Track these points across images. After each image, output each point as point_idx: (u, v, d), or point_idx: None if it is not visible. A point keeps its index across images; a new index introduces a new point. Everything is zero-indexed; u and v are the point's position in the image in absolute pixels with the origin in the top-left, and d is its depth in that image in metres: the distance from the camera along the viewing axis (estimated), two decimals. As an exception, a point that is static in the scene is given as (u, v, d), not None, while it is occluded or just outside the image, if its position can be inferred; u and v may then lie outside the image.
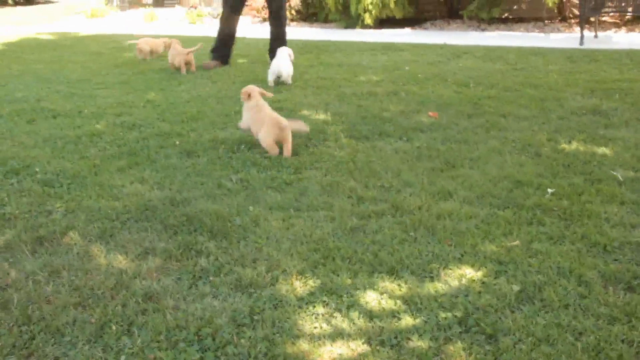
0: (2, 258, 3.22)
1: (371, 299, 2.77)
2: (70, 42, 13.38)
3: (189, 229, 3.53)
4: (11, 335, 2.54)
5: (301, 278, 2.95)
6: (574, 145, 5.05)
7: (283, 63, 7.76)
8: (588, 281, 2.90)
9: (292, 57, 7.90)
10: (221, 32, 9.36)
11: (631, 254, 3.19)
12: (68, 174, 4.47)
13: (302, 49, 11.00)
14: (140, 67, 9.41)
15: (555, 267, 3.04)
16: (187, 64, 8.78)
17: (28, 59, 10.75)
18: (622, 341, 2.44)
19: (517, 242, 3.32)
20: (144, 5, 21.58)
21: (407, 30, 14.55)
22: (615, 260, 3.13)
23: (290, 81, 7.82)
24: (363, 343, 2.44)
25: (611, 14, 12.77)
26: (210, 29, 16.59)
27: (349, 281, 2.92)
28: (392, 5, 14.02)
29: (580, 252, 3.21)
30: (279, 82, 7.79)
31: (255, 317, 2.63)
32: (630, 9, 11.62)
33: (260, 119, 4.97)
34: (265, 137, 4.86)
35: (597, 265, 3.06)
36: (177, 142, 5.24)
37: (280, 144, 4.87)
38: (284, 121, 4.83)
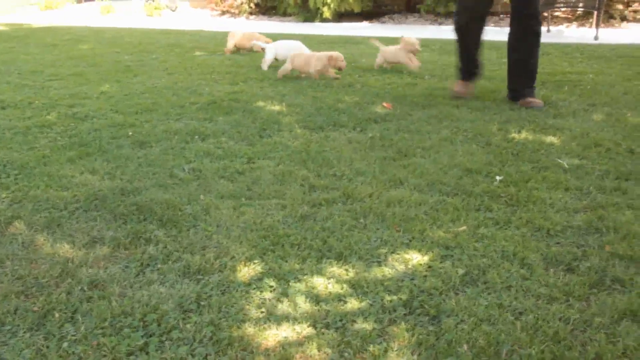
0: (-56, 248, 3.16)
1: (318, 283, 2.79)
2: (23, 34, 13.12)
3: (138, 218, 3.51)
4: (-49, 324, 2.49)
5: (249, 264, 2.96)
6: (524, 134, 5.14)
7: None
8: (530, 264, 2.97)
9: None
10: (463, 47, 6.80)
11: (572, 237, 3.27)
12: (15, 164, 4.39)
13: (260, 41, 10.96)
14: (96, 60, 9.29)
15: (499, 250, 3.10)
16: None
17: (-21, 50, 10.51)
18: (559, 319, 2.50)
19: (464, 228, 3.37)
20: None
21: (366, 24, 14.62)
22: (558, 243, 3.21)
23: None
24: (308, 326, 2.46)
25: (563, 9, 13.01)
26: (168, 22, 16.45)
27: (297, 267, 2.94)
28: (350, -1, 14.09)
29: (524, 236, 3.28)
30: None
31: (202, 303, 2.63)
32: (580, 4, 11.86)
33: None
34: None
35: (540, 248, 3.13)
36: (130, 133, 5.19)
37: None
38: None
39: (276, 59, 8.29)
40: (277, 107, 6.05)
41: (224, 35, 10.28)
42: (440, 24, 14.14)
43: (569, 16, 13.66)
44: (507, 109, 6.01)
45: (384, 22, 14.75)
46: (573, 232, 3.33)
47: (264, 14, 16.60)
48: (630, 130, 5.23)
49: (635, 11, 12.64)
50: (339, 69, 7.42)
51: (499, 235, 3.28)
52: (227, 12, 16.70)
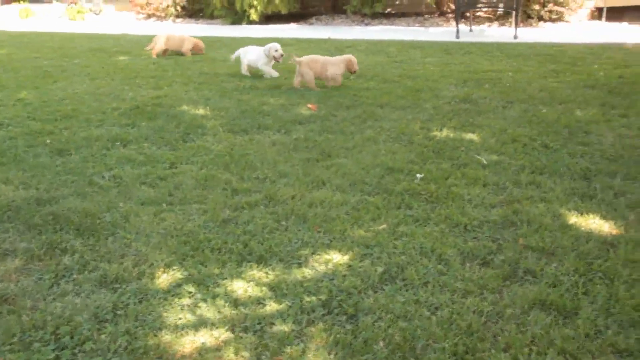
0: None
1: (238, 287, 2.78)
2: (-64, 40, 12.59)
3: (54, 228, 3.41)
4: None
5: (168, 271, 2.92)
6: (445, 132, 5.26)
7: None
8: (448, 259, 3.03)
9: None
10: None
11: (489, 231, 3.36)
12: None
13: (186, 44, 10.84)
14: (13, 65, 8.99)
15: (418, 247, 3.16)
16: None
17: None
18: (473, 312, 2.57)
19: (384, 226, 3.42)
20: (18, 0, 20.57)
21: (293, 25, 14.66)
22: (474, 238, 3.29)
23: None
24: (226, 331, 2.45)
25: (484, 9, 13.36)
26: (92, 26, 16.08)
27: (216, 271, 2.92)
28: (277, 1, 14.08)
29: (442, 232, 3.36)
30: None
31: (118, 312, 2.59)
32: (501, 5, 12.22)
33: None
34: None
35: (457, 243, 3.21)
36: (48, 141, 5.05)
37: None
38: None
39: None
40: (201, 111, 6.00)
41: (149, 39, 10.11)
42: (366, 24, 14.31)
43: (491, 16, 14.04)
44: (430, 107, 6.13)
45: (311, 24, 14.82)
46: (489, 227, 3.43)
47: (190, 16, 16.43)
48: (545, 126, 5.41)
49: (550, 11, 13.09)
50: (353, 72, 7.22)
51: (418, 233, 3.34)
52: (153, 15, 16.45)
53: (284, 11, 14.49)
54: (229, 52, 9.88)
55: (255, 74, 8.04)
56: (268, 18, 14.65)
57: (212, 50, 10.29)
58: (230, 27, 14.38)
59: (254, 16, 14.19)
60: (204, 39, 11.75)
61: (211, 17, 15.84)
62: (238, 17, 14.75)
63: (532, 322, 2.49)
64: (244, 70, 8.06)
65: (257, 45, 8.17)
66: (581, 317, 2.52)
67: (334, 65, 7.12)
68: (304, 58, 7.17)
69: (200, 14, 16.36)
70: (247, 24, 14.46)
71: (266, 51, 7.70)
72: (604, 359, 2.27)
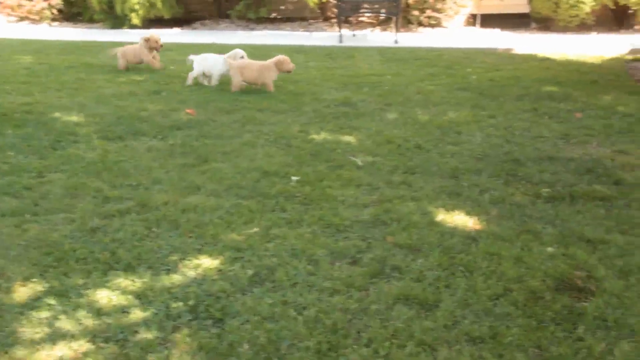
0: None
1: (101, 297, 2.70)
2: None
3: None
4: None
5: (27, 284, 2.79)
6: (323, 135, 5.33)
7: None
8: (317, 259, 3.07)
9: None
10: None
11: (359, 231, 3.43)
12: None
13: (63, 50, 10.46)
14: None
15: (289, 249, 3.18)
16: None
17: None
18: (340, 310, 2.61)
19: (256, 229, 3.42)
20: None
21: (177, 30, 14.42)
22: (345, 237, 3.35)
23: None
24: (87, 342, 2.37)
25: (367, 14, 13.68)
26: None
27: (80, 282, 2.82)
28: (159, 5, 13.82)
29: (314, 233, 3.40)
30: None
31: (-31, 330, 2.45)
32: (383, 10, 12.54)
33: None
34: None
35: (328, 244, 3.25)
36: None
37: None
38: None
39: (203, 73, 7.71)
40: (74, 118, 5.78)
41: (22, 44, 9.67)
42: (251, 29, 14.30)
43: (373, 21, 14.37)
44: (310, 110, 6.19)
45: (195, 28, 14.63)
46: (360, 226, 3.50)
47: (68, 20, 15.77)
48: (419, 127, 5.60)
49: (429, 17, 13.57)
50: (287, 72, 7.13)
51: (290, 234, 3.36)
52: (26, 18, 15.66)
53: (167, 16, 14.21)
54: (107, 58, 9.60)
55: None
56: (151, 22, 14.31)
57: (89, 56, 9.94)
58: (110, 32, 13.94)
59: (135, 20, 13.82)
60: (81, 43, 11.39)
61: (90, 21, 15.28)
62: (119, 21, 14.32)
63: (395, 317, 2.57)
64: (191, 80, 7.62)
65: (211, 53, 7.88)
66: (441, 309, 2.62)
67: (269, 70, 7.06)
68: (236, 63, 7.22)
69: (79, 18, 15.76)
70: (128, 28, 14.06)
71: (231, 57, 7.44)
72: (458, 347, 2.36)
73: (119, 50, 8.57)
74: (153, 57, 8.41)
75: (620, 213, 3.71)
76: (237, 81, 7.13)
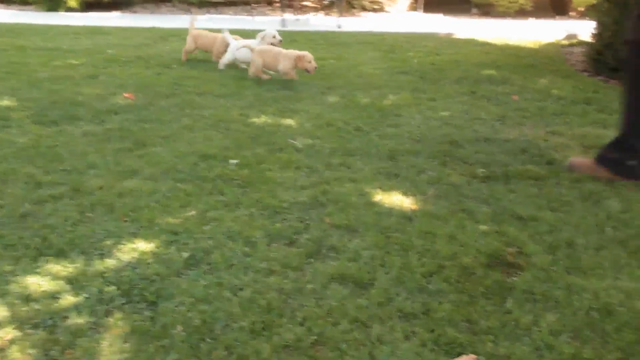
0: None
1: (31, 283, 2.63)
2: None
3: None
4: None
5: (-49, 273, 2.70)
6: (263, 118, 5.30)
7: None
8: (254, 241, 3.06)
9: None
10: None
11: (297, 212, 3.44)
12: None
13: (-5, 33, 10.11)
14: None
15: (226, 231, 3.16)
16: None
17: None
18: (275, 290, 2.61)
19: (193, 212, 3.39)
20: None
21: (117, 13, 14.12)
22: (283, 219, 3.35)
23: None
24: (14, 329, 2.31)
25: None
26: None
27: (8, 268, 2.74)
28: (98, -13, 13.51)
29: (252, 215, 3.38)
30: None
31: None
32: (325, -6, 12.54)
33: None
34: None
35: (265, 226, 3.24)
36: None
37: None
38: None
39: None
40: (6, 102, 5.61)
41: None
42: (194, 13, 14.11)
43: (317, 5, 14.35)
44: (251, 94, 6.16)
45: (135, 12, 14.35)
46: (298, 208, 3.50)
47: (0, 2, 15.28)
48: (360, 110, 5.64)
49: (372, 2, 13.64)
50: (307, 70, 6.73)
51: (228, 217, 3.34)
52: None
53: (106, -1, 13.94)
54: (42, 41, 9.35)
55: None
56: (89, 5, 13.98)
57: (22, 38, 9.65)
58: (46, 14, 13.55)
59: (72, 3, 13.49)
60: (13, 25, 11.05)
61: (23, 2, 14.82)
62: (55, 3, 13.93)
63: (330, 296, 2.58)
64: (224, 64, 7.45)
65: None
66: (375, 288, 2.65)
67: (287, 59, 6.79)
68: (257, 47, 6.97)
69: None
70: (65, 11, 13.70)
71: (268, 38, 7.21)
72: (391, 324, 2.39)
73: None
74: None
75: (551, 191, 3.81)
76: (256, 65, 6.92)
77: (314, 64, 6.67)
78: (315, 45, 9.52)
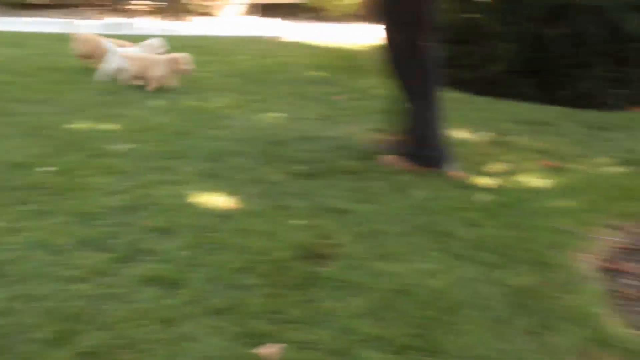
0: None
1: None
2: None
3: None
4: None
5: None
6: (83, 124, 5.12)
7: None
8: (63, 249, 2.96)
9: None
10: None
11: (113, 217, 3.36)
12: None
13: None
14: None
15: (34, 241, 3.03)
16: None
17: None
18: (81, 297, 2.55)
19: (1, 224, 3.21)
20: None
21: None
22: (97, 225, 3.26)
23: None
24: None
25: (138, 2, 13.35)
26: None
27: None
28: None
29: (65, 223, 3.26)
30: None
31: None
32: None
33: None
34: None
35: (77, 232, 3.14)
36: None
37: None
38: None
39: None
40: None
41: None
42: (14, 15, 13.31)
43: (145, 9, 14.05)
44: (73, 100, 5.92)
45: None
46: (114, 213, 3.42)
47: None
48: (184, 114, 5.63)
49: (201, 5, 13.58)
50: (184, 72, 6.42)
51: (37, 226, 3.20)
52: None
53: None
54: None
55: None
56: None
57: None
58: None
59: None
60: None
61: None
62: None
63: (139, 299, 2.56)
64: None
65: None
66: (187, 287, 2.66)
67: (159, 65, 6.46)
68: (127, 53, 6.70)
69: None
70: None
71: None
72: (200, 321, 2.43)
73: None
74: None
75: (364, 185, 4.02)
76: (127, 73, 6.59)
77: (189, 66, 6.59)
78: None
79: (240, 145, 4.76)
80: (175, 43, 9.99)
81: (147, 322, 2.39)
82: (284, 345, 2.30)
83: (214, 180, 3.99)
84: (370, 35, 11.77)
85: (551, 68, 7.01)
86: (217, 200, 3.67)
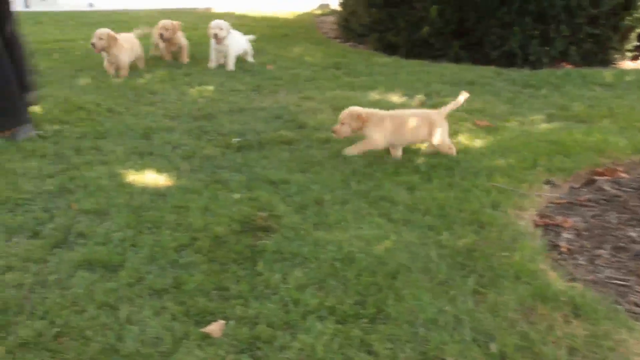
0: None
1: None
2: None
3: None
4: None
5: None
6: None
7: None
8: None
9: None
10: None
11: (42, 202, 3.23)
12: None
13: None
14: None
15: (-45, 234, 2.88)
16: None
17: None
18: (13, 287, 2.44)
19: None
20: None
21: None
22: (25, 211, 3.13)
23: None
24: None
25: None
26: None
27: None
28: None
29: (-10, 212, 3.12)
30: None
31: None
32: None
33: None
34: None
35: (4, 220, 3.01)
36: None
37: None
38: None
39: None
40: None
41: None
42: None
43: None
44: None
45: None
46: (43, 198, 3.29)
47: None
48: (112, 91, 5.43)
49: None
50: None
51: (-42, 217, 3.05)
52: None
53: None
54: None
55: None
56: None
57: None
58: None
59: None
60: None
61: None
62: None
63: (75, 284, 2.47)
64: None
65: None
66: (125, 269, 2.58)
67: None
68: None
69: None
70: None
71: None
72: (141, 302, 2.36)
73: None
74: None
75: (301, 154, 3.98)
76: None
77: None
78: (63, 27, 9.00)
79: (171, 121, 4.66)
80: (99, 18, 9.71)
81: (86, 308, 2.31)
82: (231, 322, 2.26)
83: (146, 158, 3.89)
84: (299, 3, 11.71)
85: (477, 28, 7.08)
86: (152, 178, 3.57)
